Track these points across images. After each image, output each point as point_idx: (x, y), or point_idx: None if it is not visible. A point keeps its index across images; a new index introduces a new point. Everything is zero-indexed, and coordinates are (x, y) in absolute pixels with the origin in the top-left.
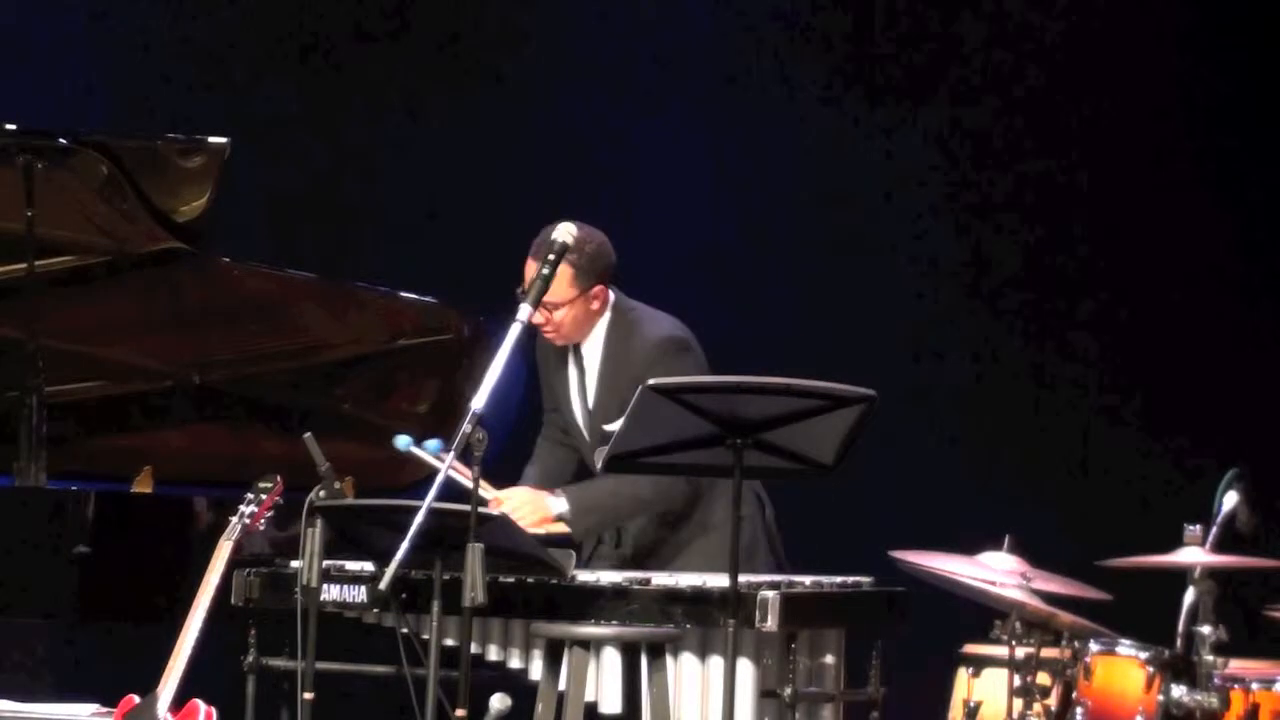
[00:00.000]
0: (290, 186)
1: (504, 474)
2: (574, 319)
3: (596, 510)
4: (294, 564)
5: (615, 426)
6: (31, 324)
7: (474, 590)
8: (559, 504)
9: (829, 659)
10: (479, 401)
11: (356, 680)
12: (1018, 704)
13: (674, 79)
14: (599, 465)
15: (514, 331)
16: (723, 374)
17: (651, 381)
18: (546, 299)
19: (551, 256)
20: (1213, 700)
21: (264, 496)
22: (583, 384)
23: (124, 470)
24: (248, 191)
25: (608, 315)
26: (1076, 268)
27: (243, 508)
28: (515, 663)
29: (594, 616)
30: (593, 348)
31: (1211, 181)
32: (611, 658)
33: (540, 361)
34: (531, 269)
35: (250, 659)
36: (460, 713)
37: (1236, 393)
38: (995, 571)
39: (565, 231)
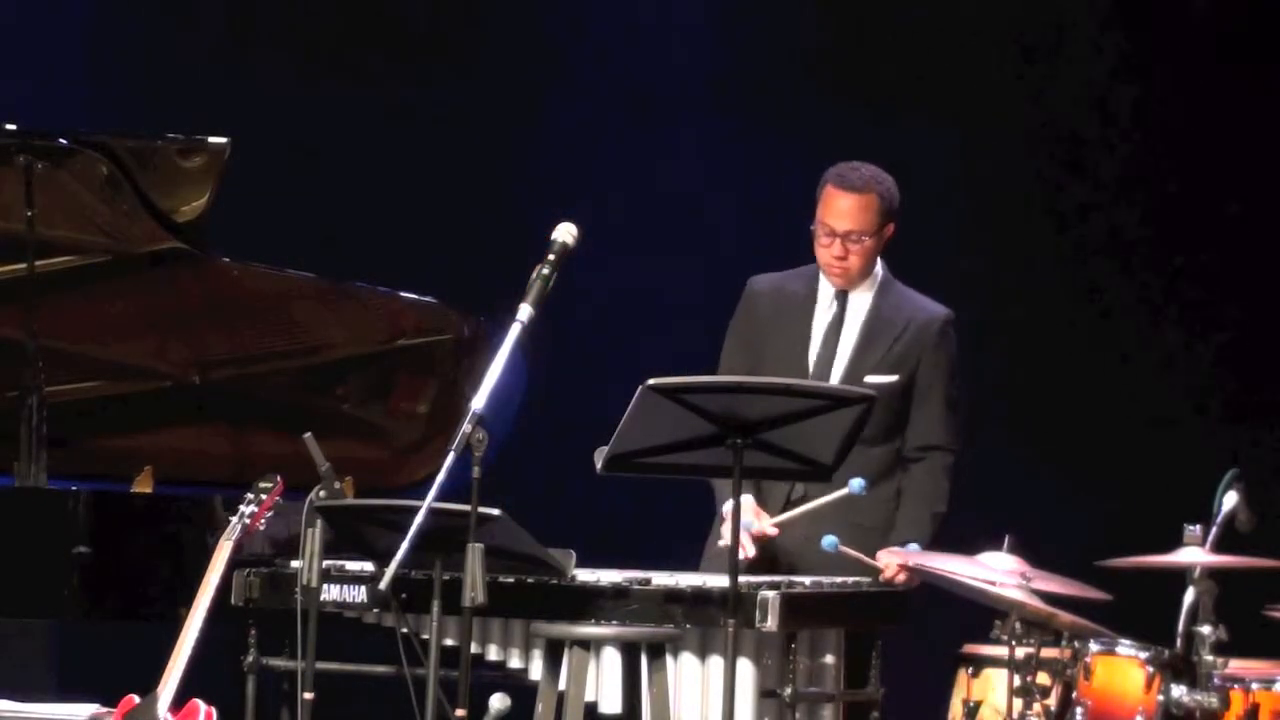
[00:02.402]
0: (291, 186)
1: (504, 473)
2: (869, 252)
3: (932, 528)
4: (294, 564)
5: (879, 379)
6: (31, 324)
7: (474, 590)
8: (914, 550)
9: (829, 659)
10: (479, 401)
11: (356, 680)
12: (1018, 704)
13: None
14: (599, 466)
15: (514, 331)
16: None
17: (651, 381)
18: (854, 227)
19: (552, 257)
20: (1212, 700)
21: (264, 496)
22: (837, 332)
23: (124, 470)
24: (248, 191)
25: (879, 274)
26: (1075, 271)
27: (243, 508)
28: (515, 663)
29: (594, 616)
30: (860, 300)
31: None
32: (611, 658)
33: (754, 322)
34: (846, 200)
35: (250, 659)
36: (460, 713)
37: (1236, 393)
38: (995, 571)
39: (566, 232)
